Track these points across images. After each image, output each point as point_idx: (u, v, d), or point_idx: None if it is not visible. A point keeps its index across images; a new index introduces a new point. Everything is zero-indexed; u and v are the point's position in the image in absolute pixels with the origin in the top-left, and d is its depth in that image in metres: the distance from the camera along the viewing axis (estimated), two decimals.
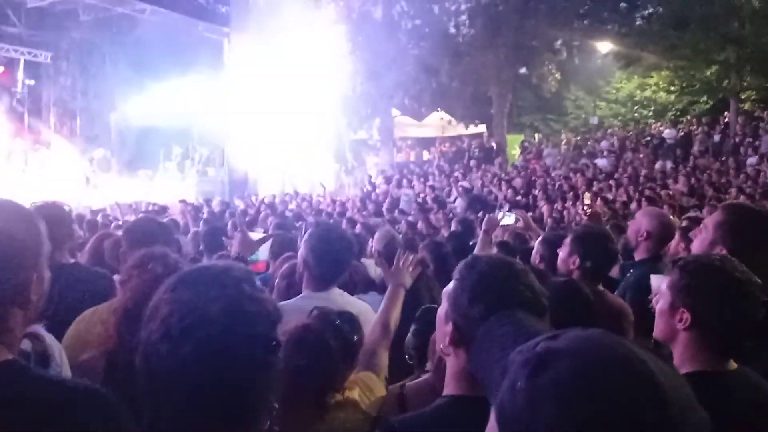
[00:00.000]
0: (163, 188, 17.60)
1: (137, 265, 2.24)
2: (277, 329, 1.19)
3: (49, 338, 2.04)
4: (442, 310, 1.63)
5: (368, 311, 2.74)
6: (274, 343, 1.17)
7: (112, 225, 8.07)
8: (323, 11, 20.08)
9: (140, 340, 1.15)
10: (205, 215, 10.23)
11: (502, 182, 14.67)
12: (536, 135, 25.04)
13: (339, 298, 2.70)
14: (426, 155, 25.44)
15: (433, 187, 15.35)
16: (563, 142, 22.44)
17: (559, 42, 22.42)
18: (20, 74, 17.33)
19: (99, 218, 9.10)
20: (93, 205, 13.34)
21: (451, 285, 1.60)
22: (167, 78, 17.97)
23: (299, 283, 2.84)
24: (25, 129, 16.78)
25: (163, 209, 11.36)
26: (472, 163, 20.36)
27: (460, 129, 25.04)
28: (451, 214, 9.45)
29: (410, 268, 2.79)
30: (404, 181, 16.82)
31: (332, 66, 20.20)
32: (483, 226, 3.94)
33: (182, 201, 13.04)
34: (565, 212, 10.05)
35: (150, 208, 11.73)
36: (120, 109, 19.41)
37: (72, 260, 3.18)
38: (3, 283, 1.26)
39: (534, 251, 3.84)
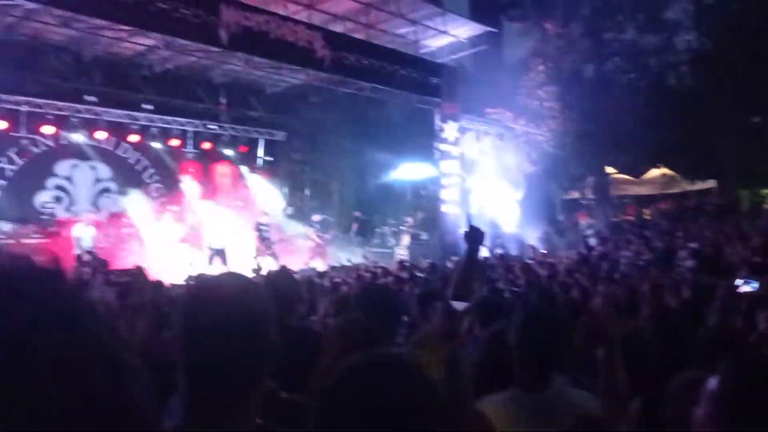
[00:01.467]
0: (379, 252, 18.57)
1: (340, 334, 2.33)
2: None
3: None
4: (701, 411, 1.47)
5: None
6: None
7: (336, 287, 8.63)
8: (531, 74, 20.21)
9: None
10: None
11: (737, 242, 13.21)
12: None
13: (556, 400, 2.23)
14: (646, 214, 23.91)
15: (654, 249, 14.31)
16: None
17: None
18: (260, 152, 19.65)
19: (326, 282, 9.77)
20: (318, 267, 14.45)
21: (714, 384, 1.45)
22: (383, 148, 19.20)
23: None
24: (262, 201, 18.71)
25: (384, 272, 11.90)
26: (701, 221, 18.68)
27: (684, 185, 23.27)
28: (678, 278, 8.71)
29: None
30: (623, 242, 15.89)
31: (542, 126, 20.10)
32: (719, 294, 3.59)
33: (400, 263, 13.60)
34: None
35: (372, 271, 12.34)
36: (341, 178, 21.08)
37: (302, 322, 3.46)
38: (254, 354, 1.34)
39: None
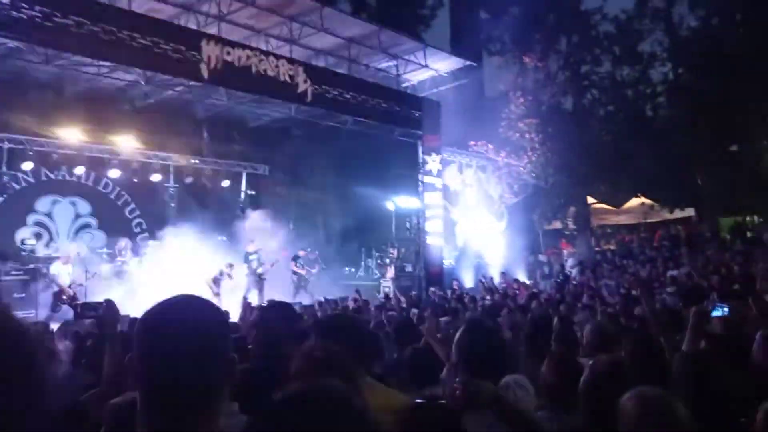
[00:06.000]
0: (365, 284, 18.50)
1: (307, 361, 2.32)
2: None
3: None
4: None
5: None
6: None
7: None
8: (512, 107, 20.48)
9: None
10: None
11: (716, 270, 13.35)
12: (754, 217, 22.71)
13: None
14: (626, 243, 24.11)
15: (637, 277, 14.42)
16: None
17: None
18: (243, 186, 19.64)
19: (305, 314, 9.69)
20: (303, 301, 14.34)
21: None
22: (367, 180, 19.29)
23: None
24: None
25: (365, 303, 11.86)
26: (681, 249, 18.87)
27: (664, 214, 23.55)
28: (658, 305, 8.74)
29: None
30: (604, 271, 16.00)
31: (523, 158, 20.30)
32: (691, 319, 3.62)
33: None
34: None
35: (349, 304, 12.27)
36: (326, 211, 21.08)
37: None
38: (209, 374, 1.34)
39: (756, 345, 3.45)
